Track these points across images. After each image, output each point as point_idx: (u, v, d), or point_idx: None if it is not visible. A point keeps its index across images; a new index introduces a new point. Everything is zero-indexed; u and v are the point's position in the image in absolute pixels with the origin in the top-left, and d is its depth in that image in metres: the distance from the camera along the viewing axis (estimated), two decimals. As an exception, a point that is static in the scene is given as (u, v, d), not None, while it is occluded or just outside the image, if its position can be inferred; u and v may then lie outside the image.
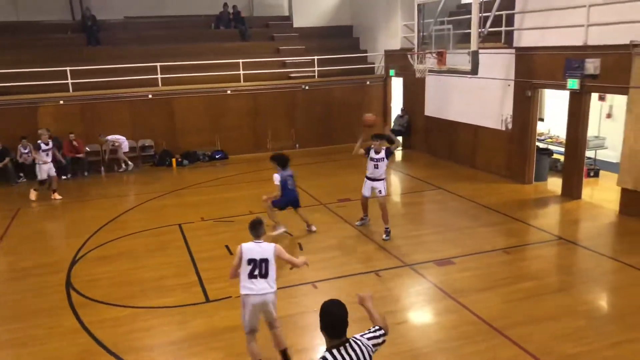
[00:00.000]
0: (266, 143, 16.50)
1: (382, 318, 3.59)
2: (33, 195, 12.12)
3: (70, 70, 14.50)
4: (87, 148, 14.48)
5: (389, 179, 11.34)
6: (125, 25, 18.22)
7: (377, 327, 3.44)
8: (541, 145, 12.68)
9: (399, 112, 16.74)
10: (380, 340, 3.37)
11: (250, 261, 4.96)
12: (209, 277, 7.52)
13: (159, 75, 15.38)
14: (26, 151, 13.70)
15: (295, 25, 19.63)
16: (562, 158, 11.53)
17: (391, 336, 5.83)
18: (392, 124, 16.87)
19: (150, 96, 15.26)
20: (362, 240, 8.91)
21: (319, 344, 6.03)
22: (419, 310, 6.76)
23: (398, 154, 16.19)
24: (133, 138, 15.15)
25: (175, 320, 6.38)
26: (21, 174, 13.99)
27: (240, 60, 16.06)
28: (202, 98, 15.75)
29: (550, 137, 13.45)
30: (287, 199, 8.99)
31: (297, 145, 16.76)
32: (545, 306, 6.45)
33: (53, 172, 12.23)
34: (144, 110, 15.22)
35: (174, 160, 15.23)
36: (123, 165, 14.82)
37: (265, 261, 4.97)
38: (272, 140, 16.52)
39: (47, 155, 12.12)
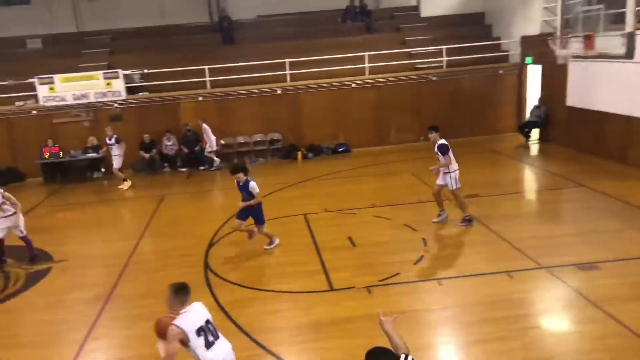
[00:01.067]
0: (389, 136, 16.33)
1: (404, 343, 3.40)
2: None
3: (207, 68, 15.60)
4: (221, 141, 15.48)
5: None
6: (257, 24, 19.17)
7: (404, 356, 3.19)
8: None
9: (536, 103, 15.55)
10: None
11: (200, 331, 4.09)
12: (332, 267, 7.60)
13: (288, 72, 15.94)
14: (170, 143, 15.07)
15: (423, 14, 19.16)
16: None
17: (524, 340, 5.48)
18: (528, 115, 15.76)
19: (279, 92, 15.88)
20: (491, 238, 8.39)
21: (441, 342, 5.82)
22: (557, 316, 6.18)
23: (534, 148, 15.08)
24: (262, 132, 15.91)
25: (299, 306, 6.55)
26: (166, 164, 15.40)
27: (366, 53, 16.05)
28: (327, 92, 16.01)
29: None
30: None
31: (422, 138, 16.32)
32: None
33: None
34: (273, 105, 15.87)
35: (299, 153, 15.71)
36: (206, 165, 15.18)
37: (208, 321, 4.23)
38: (396, 133, 16.30)
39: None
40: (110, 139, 13.53)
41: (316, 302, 6.62)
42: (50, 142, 14.72)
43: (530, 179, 12.59)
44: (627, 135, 12.08)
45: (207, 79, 15.71)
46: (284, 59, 15.91)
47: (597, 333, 5.56)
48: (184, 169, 15.21)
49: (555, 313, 6.24)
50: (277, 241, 8.55)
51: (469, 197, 10.40)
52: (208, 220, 10.16)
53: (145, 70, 15.90)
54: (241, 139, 15.87)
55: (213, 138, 14.95)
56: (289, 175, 13.81)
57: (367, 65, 16.06)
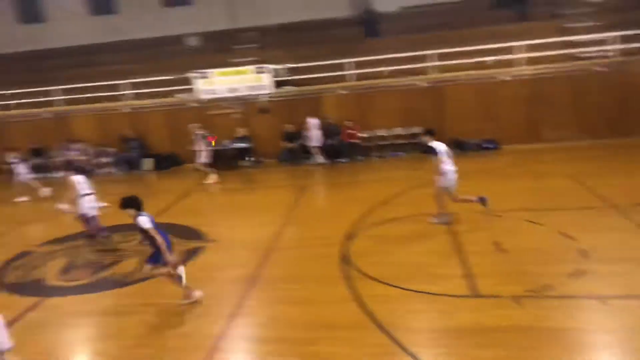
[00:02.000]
0: (544, 133, 15.00)
1: None
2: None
3: (350, 62, 15.69)
4: (362, 134, 15.52)
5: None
6: (400, 15, 18.84)
7: None
8: None
9: None
10: None
11: None
12: (475, 272, 7.12)
13: (432, 63, 15.42)
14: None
15: (586, -2, 17.29)
16: None
17: None
18: None
19: (423, 84, 15.44)
20: (670, 254, 7.21)
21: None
22: None
23: None
24: (403, 125, 15.62)
25: (439, 309, 6.24)
26: (307, 155, 15.81)
27: (519, 43, 14.89)
28: (475, 85, 15.20)
29: None
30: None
31: (580, 136, 14.77)
32: None
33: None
34: (415, 98, 15.51)
35: (440, 148, 15.13)
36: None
37: None
38: (552, 130, 14.91)
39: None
40: (197, 136, 14.24)
41: (458, 306, 6.25)
42: (204, 132, 15.92)
43: None
44: None
45: (350, 72, 15.83)
46: (428, 50, 15.41)
47: None
48: (323, 161, 15.55)
49: None
50: (196, 295, 6.76)
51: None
52: (347, 213, 10.19)
53: (291, 65, 16.51)
54: (381, 132, 15.76)
55: (317, 133, 15.11)
56: (430, 171, 13.34)
57: (520, 55, 14.90)
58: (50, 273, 8.36)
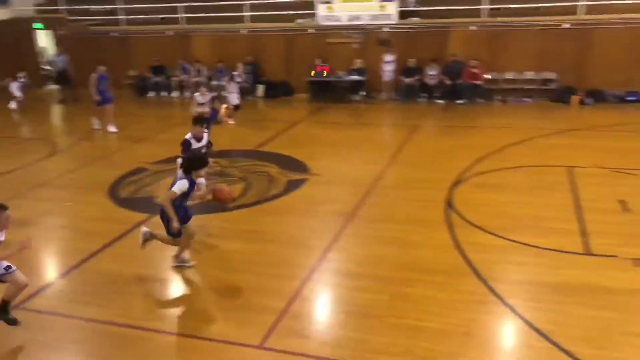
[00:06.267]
0: None
1: None
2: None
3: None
4: (487, 76, 14.50)
5: None
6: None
7: None
8: None
9: None
10: None
11: None
12: (593, 230, 6.54)
13: (580, 2, 13.73)
14: (433, 72, 14.77)
15: None
16: None
17: None
18: None
19: (566, 25, 13.86)
20: None
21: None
22: None
23: None
24: (536, 69, 14.31)
25: (546, 263, 5.87)
26: (424, 94, 15.14)
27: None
28: (627, 30, 13.32)
29: None
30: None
31: None
32: None
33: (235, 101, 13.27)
34: (555, 40, 13.99)
35: (574, 97, 13.71)
36: None
37: None
38: None
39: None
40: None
41: (567, 263, 5.82)
42: (318, 61, 15.62)
43: None
44: None
45: (484, 7, 14.60)
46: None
47: None
48: (441, 101, 14.87)
49: None
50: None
51: None
52: (457, 157, 9.73)
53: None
54: (509, 76, 14.60)
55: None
56: (557, 121, 12.26)
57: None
58: (160, 191, 8.34)
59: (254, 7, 16.75)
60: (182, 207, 5.74)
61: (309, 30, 16.18)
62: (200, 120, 7.56)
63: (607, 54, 13.55)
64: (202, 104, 11.53)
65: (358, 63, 15.47)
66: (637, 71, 13.40)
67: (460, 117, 13.59)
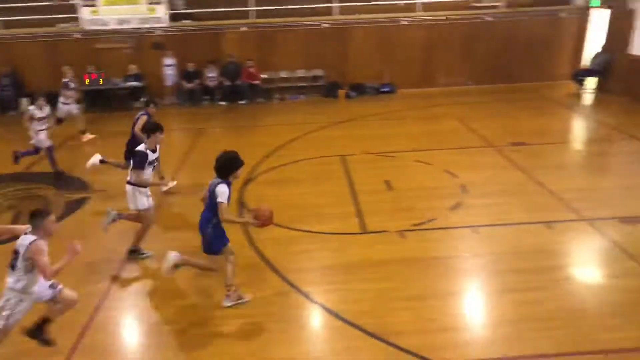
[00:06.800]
0: (437, 78, 15.69)
1: None
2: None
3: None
4: (263, 75, 15.22)
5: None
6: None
7: None
8: None
9: (598, 50, 14.51)
10: None
11: (14, 251, 4.26)
12: (366, 210, 7.50)
13: (335, 4, 15.29)
14: (212, 75, 14.90)
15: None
16: None
17: (556, 291, 5.31)
18: (588, 62, 14.80)
19: (325, 25, 15.31)
20: (533, 188, 8.05)
21: (471, 289, 5.74)
22: (593, 269, 6.06)
23: (588, 97, 14.26)
24: (305, 67, 15.53)
25: (331, 247, 6.53)
26: (206, 96, 15.25)
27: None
28: (376, 28, 15.35)
29: None
30: None
31: (469, 82, 15.65)
32: None
33: (75, 111, 12.08)
34: (318, 39, 15.36)
35: (341, 91, 15.32)
36: None
37: (16, 252, 4.21)
38: (445, 75, 15.63)
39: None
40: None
41: (348, 244, 6.58)
42: (91, 68, 14.54)
43: (580, 129, 11.95)
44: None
45: (251, 8, 15.23)
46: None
47: (635, 287, 5.40)
48: (223, 103, 15.14)
49: (591, 266, 6.10)
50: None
51: (515, 145, 9.98)
52: (244, 157, 9.60)
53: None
54: (283, 74, 15.57)
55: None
56: (329, 115, 13.54)
57: (419, 1, 15.21)
58: None
59: (5, 10, 14.68)
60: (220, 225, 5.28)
61: (75, 36, 14.89)
62: (160, 128, 6.31)
63: (362, 51, 15.43)
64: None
65: (133, 69, 14.76)
66: (387, 65, 15.56)
67: (243, 117, 14.06)
